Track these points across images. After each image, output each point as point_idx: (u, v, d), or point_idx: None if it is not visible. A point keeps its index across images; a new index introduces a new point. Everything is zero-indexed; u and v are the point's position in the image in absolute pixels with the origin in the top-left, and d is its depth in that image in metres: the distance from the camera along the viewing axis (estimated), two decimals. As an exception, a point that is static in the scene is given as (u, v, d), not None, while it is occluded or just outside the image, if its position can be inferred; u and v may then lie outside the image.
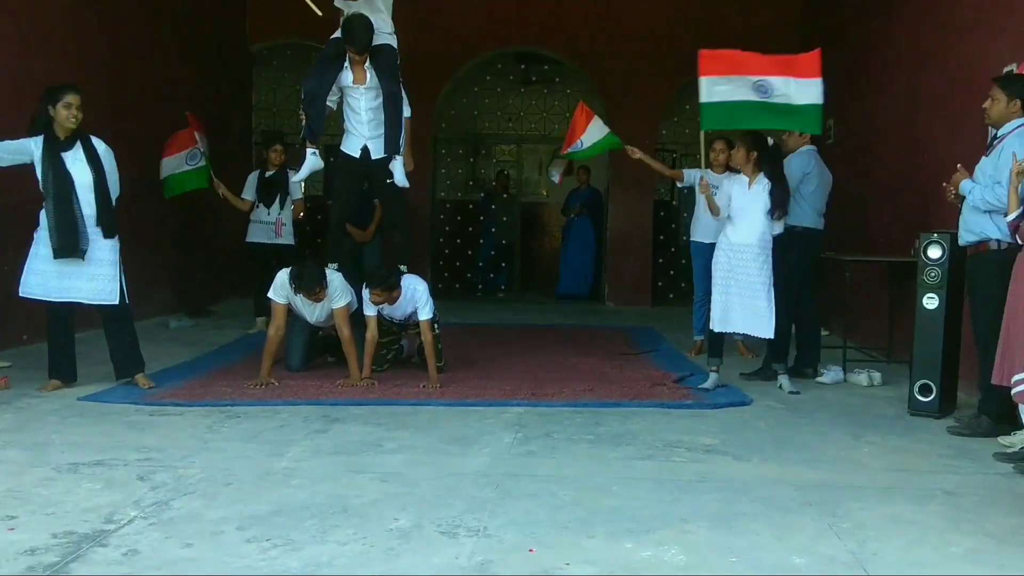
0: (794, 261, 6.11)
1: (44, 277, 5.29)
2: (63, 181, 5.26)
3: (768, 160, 5.83)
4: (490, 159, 14.22)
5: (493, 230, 12.57)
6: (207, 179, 8.05)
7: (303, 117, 6.30)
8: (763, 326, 5.75)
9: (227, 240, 9.62)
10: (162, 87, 8.98)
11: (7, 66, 6.59)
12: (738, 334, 6.13)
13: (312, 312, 5.93)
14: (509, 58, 12.66)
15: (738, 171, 5.94)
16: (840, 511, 3.52)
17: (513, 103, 13.57)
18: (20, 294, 5.33)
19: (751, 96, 5.75)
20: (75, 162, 5.33)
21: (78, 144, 5.35)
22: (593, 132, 7.25)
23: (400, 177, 6.19)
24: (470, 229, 12.98)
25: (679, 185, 7.43)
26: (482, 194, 13.33)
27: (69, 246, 5.24)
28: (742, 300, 5.76)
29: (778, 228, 5.87)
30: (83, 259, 5.28)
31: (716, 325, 5.89)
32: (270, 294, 5.85)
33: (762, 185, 5.79)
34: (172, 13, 9.30)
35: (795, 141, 6.45)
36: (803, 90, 5.65)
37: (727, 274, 5.81)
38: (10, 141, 5.28)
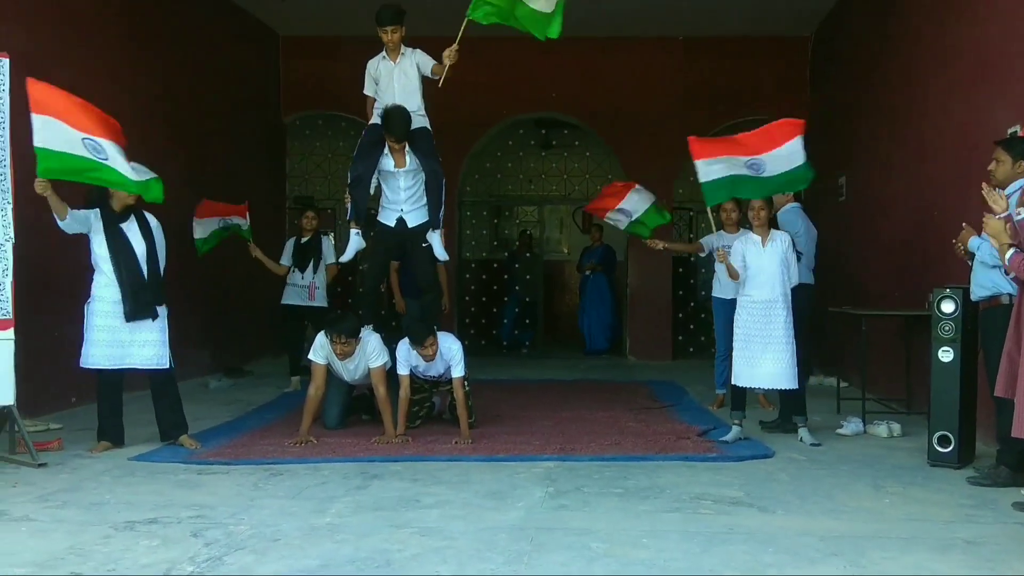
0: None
1: (103, 347, 5.47)
2: (128, 248, 5.49)
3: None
4: (513, 220, 14.46)
5: (517, 288, 12.72)
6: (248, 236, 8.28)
7: (348, 200, 6.55)
8: (788, 378, 5.85)
9: (260, 302, 9.81)
10: (201, 159, 9.26)
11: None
12: (761, 388, 6.19)
13: (349, 371, 6.06)
14: (530, 124, 12.93)
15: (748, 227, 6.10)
16: (864, 560, 3.57)
17: (534, 166, 13.83)
18: (83, 365, 5.50)
19: (745, 171, 5.96)
20: (130, 233, 5.56)
21: (132, 217, 5.59)
22: (635, 202, 7.61)
23: (439, 251, 6.43)
24: (495, 288, 13.13)
25: (701, 255, 7.54)
26: (506, 254, 13.52)
27: (142, 309, 5.46)
28: (765, 355, 5.85)
29: (793, 280, 5.99)
30: (144, 322, 5.49)
31: (740, 380, 5.96)
32: (310, 355, 5.98)
33: (779, 240, 5.92)
34: (211, 89, 9.61)
35: (779, 200, 6.55)
36: (789, 156, 5.86)
37: (748, 330, 5.91)
38: (79, 211, 5.50)
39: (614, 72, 11.39)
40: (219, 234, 8.22)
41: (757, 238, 5.96)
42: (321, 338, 5.93)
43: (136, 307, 5.46)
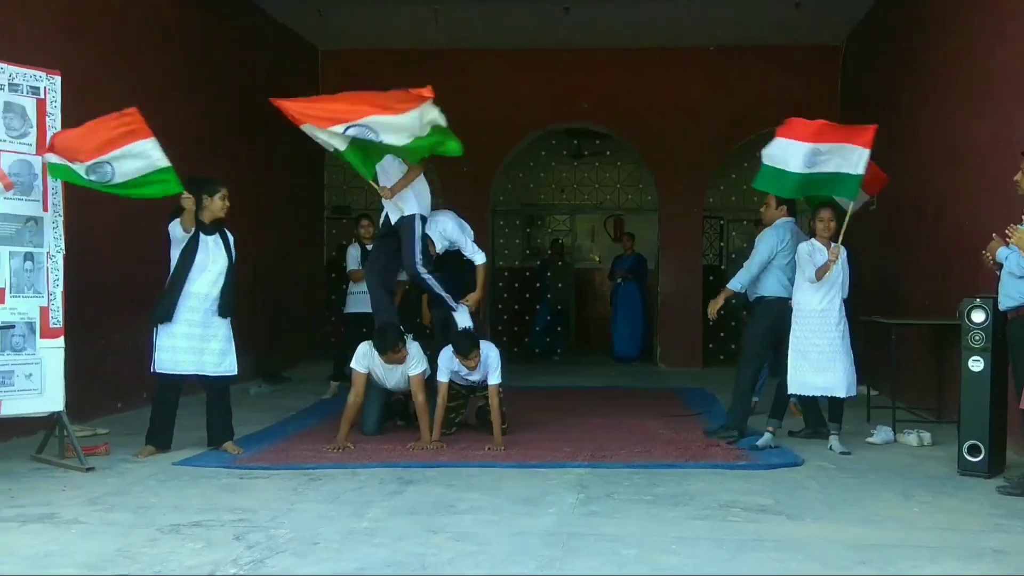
0: (764, 328, 6.27)
1: (174, 353, 5.59)
2: (185, 260, 5.60)
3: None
4: (545, 229, 14.52)
5: (549, 296, 12.76)
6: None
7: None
8: (848, 386, 5.87)
9: (297, 308, 9.94)
10: (243, 168, 9.40)
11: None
12: (794, 396, 6.16)
13: (390, 378, 6.14)
14: (562, 134, 12.98)
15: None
16: (893, 569, 3.56)
17: (566, 176, 13.88)
18: (155, 370, 5.62)
19: (800, 167, 5.76)
20: (215, 247, 5.71)
21: (217, 232, 5.76)
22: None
23: (464, 321, 6.41)
24: (527, 296, 13.19)
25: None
26: (538, 262, 13.56)
27: (158, 316, 5.57)
28: (823, 363, 5.84)
29: (846, 291, 5.98)
30: (213, 330, 5.64)
31: (795, 388, 5.95)
32: (352, 364, 6.06)
33: (841, 252, 5.92)
34: (254, 101, 9.75)
35: (771, 214, 6.49)
36: (849, 157, 5.73)
37: (807, 339, 5.89)
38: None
39: (645, 82, 11.42)
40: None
41: (822, 247, 5.93)
42: (364, 347, 6.02)
43: (155, 314, 5.60)
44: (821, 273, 5.83)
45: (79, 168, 5.24)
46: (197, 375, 5.69)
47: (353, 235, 8.71)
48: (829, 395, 5.96)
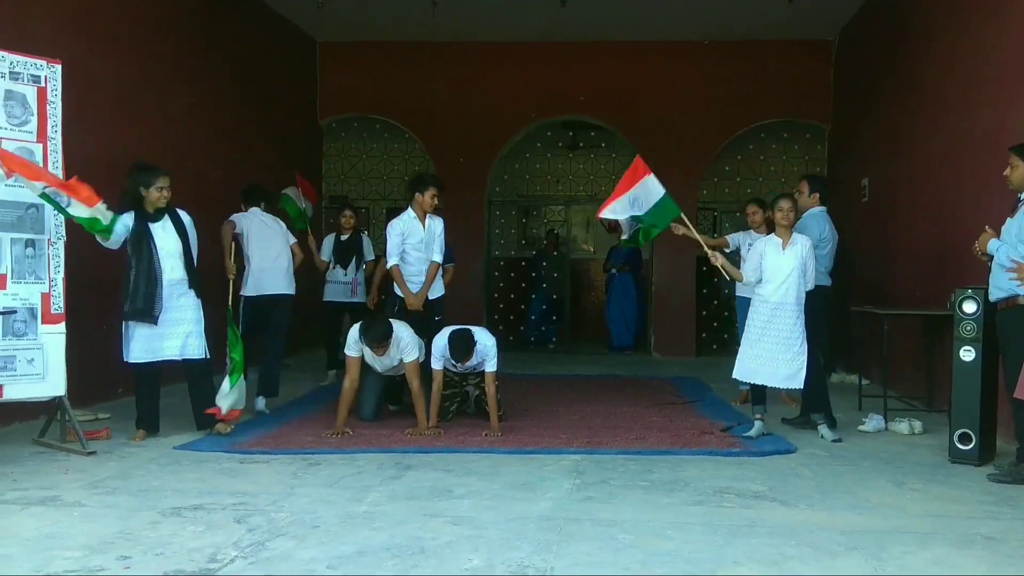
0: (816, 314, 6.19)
1: (144, 341, 5.58)
2: (149, 254, 5.57)
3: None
4: (540, 219, 14.51)
5: (544, 286, 12.75)
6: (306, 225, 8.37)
7: None
8: (795, 379, 5.85)
9: (297, 298, 9.89)
10: (242, 159, 9.37)
11: (102, 145, 6.96)
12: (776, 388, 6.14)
13: (383, 363, 6.13)
14: (557, 126, 12.95)
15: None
16: (885, 555, 3.56)
17: (562, 167, 13.85)
18: (128, 360, 5.61)
19: (635, 212, 6.18)
20: (164, 232, 5.66)
21: (166, 216, 5.70)
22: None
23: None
24: (523, 285, 13.17)
25: (726, 251, 7.28)
26: (534, 252, 13.55)
27: (144, 312, 5.55)
28: (774, 355, 5.84)
29: (809, 284, 5.95)
30: (156, 323, 5.57)
31: (744, 376, 5.99)
32: (345, 350, 6.05)
33: (799, 244, 5.88)
34: (252, 92, 9.73)
35: (805, 202, 6.46)
36: (648, 191, 6.11)
37: (762, 330, 5.89)
38: (117, 223, 5.56)
39: (640, 75, 11.40)
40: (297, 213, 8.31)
41: (778, 240, 5.92)
42: (354, 332, 6.00)
43: (137, 310, 5.54)
44: (732, 273, 5.99)
45: (37, 185, 5.17)
46: (167, 361, 5.67)
47: (333, 224, 8.81)
48: (781, 387, 5.98)
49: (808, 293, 6.05)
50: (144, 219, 5.62)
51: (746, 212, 7.46)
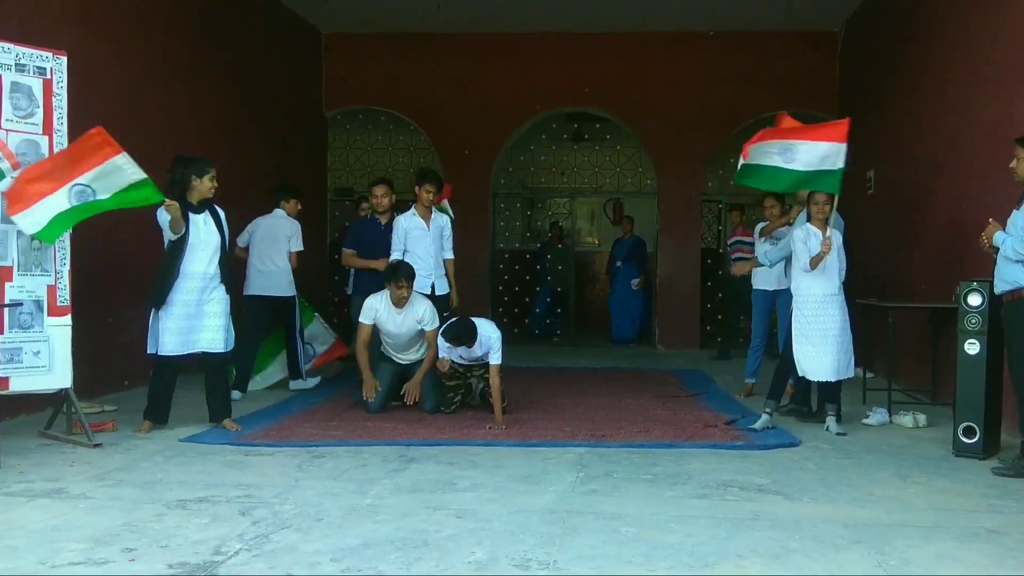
0: None
1: (175, 335, 5.58)
2: (182, 244, 5.58)
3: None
4: (545, 212, 14.50)
5: (549, 278, 12.74)
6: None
7: None
8: (848, 369, 5.89)
9: (301, 289, 9.89)
10: (247, 151, 9.36)
11: (120, 136, 6.89)
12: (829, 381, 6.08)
13: (398, 324, 6.29)
14: (562, 118, 12.92)
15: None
16: (888, 548, 3.55)
17: (567, 159, 13.84)
18: (160, 353, 5.59)
19: (777, 160, 5.91)
20: (204, 225, 5.68)
21: (206, 210, 5.72)
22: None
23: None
24: (527, 277, 13.17)
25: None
26: (538, 244, 13.54)
27: (153, 300, 5.57)
28: (831, 347, 5.82)
29: (843, 274, 5.96)
30: (210, 307, 5.65)
31: (810, 375, 5.91)
32: (360, 318, 6.33)
33: (835, 237, 5.87)
34: (257, 85, 9.71)
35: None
36: (827, 155, 5.77)
37: (810, 324, 5.85)
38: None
39: (645, 67, 11.35)
40: None
41: (819, 232, 5.89)
42: (370, 300, 6.27)
43: (149, 297, 5.60)
44: (815, 263, 5.80)
45: (61, 195, 5.09)
46: (197, 352, 5.69)
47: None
48: (838, 379, 5.93)
49: None
50: (187, 210, 5.61)
51: (763, 206, 7.38)
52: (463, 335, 5.98)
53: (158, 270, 5.61)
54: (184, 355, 5.67)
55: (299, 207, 7.67)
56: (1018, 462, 4.82)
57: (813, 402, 6.37)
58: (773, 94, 11.08)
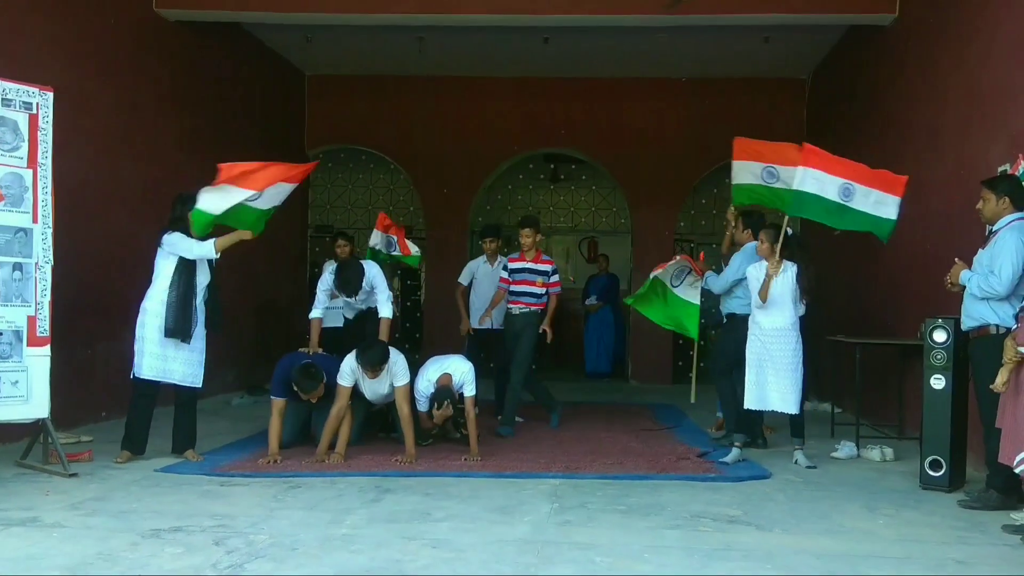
0: (736, 343, 6.16)
1: (155, 359, 5.52)
2: (192, 275, 5.58)
3: (789, 248, 5.89)
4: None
5: (526, 314, 12.67)
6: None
7: None
8: (792, 404, 5.79)
9: (281, 324, 9.85)
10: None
11: (93, 173, 6.91)
12: (772, 412, 6.11)
13: (375, 390, 6.00)
14: (539, 158, 12.99)
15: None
16: (859, 578, 3.53)
17: (543, 199, 13.88)
18: (139, 375, 5.52)
19: (834, 196, 5.82)
20: (201, 263, 5.65)
21: None
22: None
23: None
24: (504, 314, 13.11)
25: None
26: (516, 281, 13.49)
27: (182, 331, 5.53)
28: (776, 380, 5.80)
29: (801, 309, 5.93)
30: (187, 344, 5.57)
31: (752, 404, 5.90)
32: (338, 380, 5.81)
33: (789, 270, 5.84)
34: (242, 124, 9.71)
35: (741, 236, 6.66)
36: (881, 202, 5.82)
37: (760, 357, 5.84)
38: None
39: (620, 110, 11.46)
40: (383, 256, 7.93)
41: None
42: (351, 363, 5.81)
43: (178, 328, 5.53)
44: (763, 294, 5.80)
45: (243, 195, 5.61)
46: (174, 384, 5.63)
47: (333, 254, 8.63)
48: (781, 411, 5.90)
49: (739, 320, 6.20)
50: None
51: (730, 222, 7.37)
52: (442, 396, 5.88)
53: (174, 302, 5.51)
54: (160, 383, 5.59)
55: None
56: (984, 495, 4.81)
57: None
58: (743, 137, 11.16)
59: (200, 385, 5.71)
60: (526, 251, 7.27)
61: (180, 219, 5.63)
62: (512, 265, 7.32)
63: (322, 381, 5.78)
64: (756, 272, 5.92)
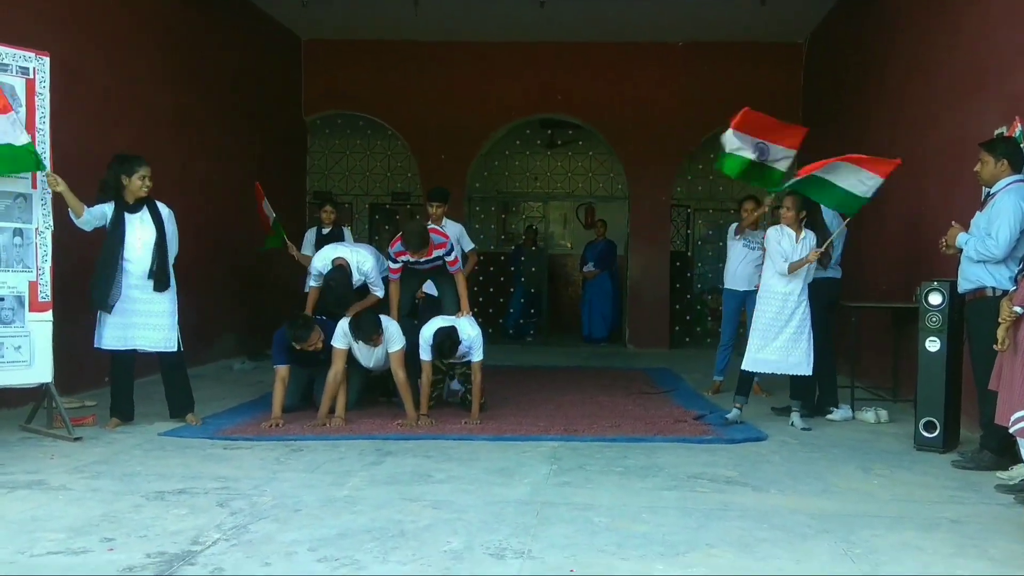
0: (816, 308, 6.09)
1: (115, 329, 5.44)
2: (120, 245, 5.43)
3: (810, 213, 5.98)
4: (519, 215, 14.47)
5: (523, 280, 12.70)
6: (281, 242, 7.94)
7: None
8: (803, 365, 5.83)
9: (279, 289, 9.82)
10: (228, 155, 9.26)
11: (88, 141, 6.83)
12: (758, 375, 6.14)
13: (369, 356, 6.00)
14: (536, 124, 12.90)
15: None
16: (854, 538, 3.55)
17: (540, 164, 13.82)
18: (98, 346, 5.49)
19: (750, 155, 6.18)
20: (141, 224, 5.51)
21: (144, 208, 5.56)
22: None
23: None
24: (502, 279, 13.10)
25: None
26: (513, 247, 13.50)
27: (99, 302, 5.40)
28: (784, 343, 5.82)
29: (811, 275, 5.94)
30: (110, 313, 5.41)
31: (751, 366, 5.93)
32: (332, 342, 5.83)
33: (809, 238, 5.88)
34: (238, 90, 9.61)
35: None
36: (862, 181, 5.80)
37: (772, 320, 5.85)
38: (95, 207, 5.47)
39: (617, 75, 11.36)
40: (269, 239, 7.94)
41: (792, 233, 5.91)
42: (344, 325, 5.82)
43: (95, 298, 5.38)
44: (795, 267, 5.80)
45: None
46: (138, 350, 5.55)
47: (316, 218, 8.58)
48: (789, 373, 5.92)
49: (825, 284, 6.17)
50: (122, 209, 5.48)
51: (742, 208, 7.37)
52: (448, 349, 5.84)
53: (94, 270, 5.43)
54: (127, 351, 5.51)
55: None
56: (977, 455, 4.84)
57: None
58: (740, 103, 10.96)
59: (175, 348, 5.59)
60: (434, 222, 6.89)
61: (109, 182, 5.50)
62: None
63: (315, 329, 5.76)
64: (778, 236, 5.90)
